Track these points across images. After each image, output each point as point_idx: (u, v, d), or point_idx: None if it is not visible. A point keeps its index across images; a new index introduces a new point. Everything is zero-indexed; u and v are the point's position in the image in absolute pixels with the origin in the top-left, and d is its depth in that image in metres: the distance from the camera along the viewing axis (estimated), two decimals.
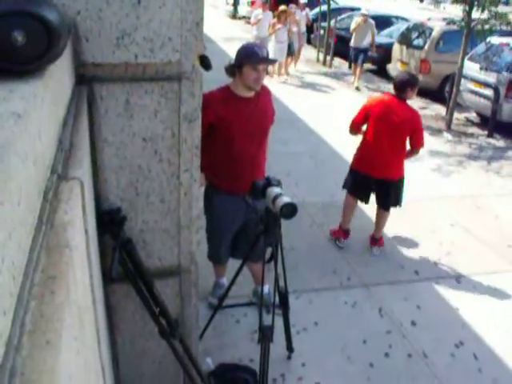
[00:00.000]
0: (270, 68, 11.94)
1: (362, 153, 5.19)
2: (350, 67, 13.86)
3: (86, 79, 2.02)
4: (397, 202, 5.26)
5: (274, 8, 19.82)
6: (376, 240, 5.41)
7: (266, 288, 4.03)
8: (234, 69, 3.50)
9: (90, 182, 1.93)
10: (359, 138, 5.21)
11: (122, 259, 2.18)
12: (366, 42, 12.57)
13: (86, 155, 1.73)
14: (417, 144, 4.98)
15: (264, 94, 3.71)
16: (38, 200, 1.08)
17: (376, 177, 5.10)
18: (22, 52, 1.16)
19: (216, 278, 4.36)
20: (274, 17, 12.54)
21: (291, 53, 12.95)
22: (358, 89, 12.46)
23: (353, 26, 12.64)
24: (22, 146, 0.95)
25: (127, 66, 2.06)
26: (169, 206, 2.38)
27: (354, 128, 5.18)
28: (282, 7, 12.17)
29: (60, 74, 1.52)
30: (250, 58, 3.43)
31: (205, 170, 3.57)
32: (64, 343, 0.87)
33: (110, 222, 2.13)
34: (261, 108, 3.67)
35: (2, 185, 0.79)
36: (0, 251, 0.75)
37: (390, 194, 5.19)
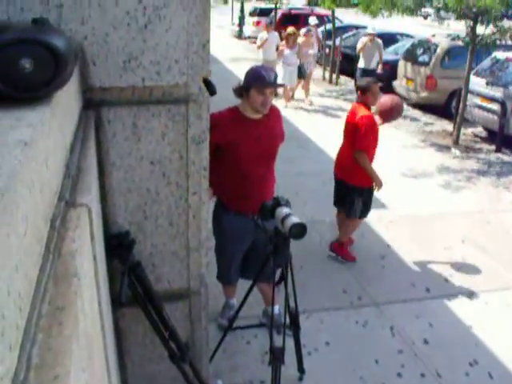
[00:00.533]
0: (280, 90, 11.60)
1: None
2: (356, 90, 13.19)
3: (93, 103, 2.02)
4: (350, 211, 5.27)
5: (279, 29, 19.98)
6: (333, 242, 5.53)
7: (276, 309, 3.99)
8: (242, 91, 3.50)
9: (98, 206, 1.93)
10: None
11: (131, 283, 2.17)
12: (374, 63, 12.11)
13: (94, 180, 1.72)
14: (354, 143, 4.97)
15: (273, 114, 3.69)
16: (45, 228, 1.07)
17: (338, 177, 5.34)
18: (29, 79, 1.16)
19: (226, 299, 4.33)
20: (281, 39, 12.01)
21: (302, 75, 11.91)
22: None
23: (359, 46, 12.19)
24: (28, 175, 0.94)
25: (134, 90, 2.06)
26: (177, 229, 2.37)
27: None
28: (290, 29, 11.50)
29: (67, 100, 1.52)
30: (257, 81, 3.41)
31: (213, 186, 3.57)
32: (73, 377, 0.85)
33: (118, 246, 2.12)
34: (269, 129, 3.65)
35: (9, 216, 0.78)
36: (6, 284, 0.73)
37: (345, 199, 5.26)
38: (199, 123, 2.21)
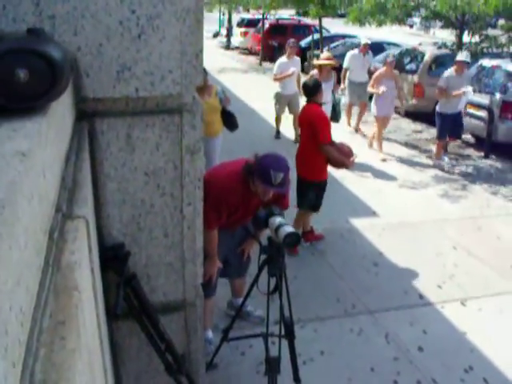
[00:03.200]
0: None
1: None
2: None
3: (86, 114, 2.00)
4: (299, 201, 5.55)
5: (268, 39, 20.03)
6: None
7: (240, 300, 3.99)
8: (250, 172, 3.36)
9: (93, 218, 1.90)
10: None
11: (126, 295, 2.14)
12: (462, 104, 8.74)
13: (90, 192, 1.70)
14: (315, 136, 5.14)
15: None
16: (43, 240, 1.05)
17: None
18: (25, 89, 1.14)
19: None
20: (312, 67, 8.94)
21: (335, 118, 7.86)
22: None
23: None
24: (27, 186, 0.92)
25: (128, 100, 2.05)
26: (172, 240, 2.35)
27: None
28: (325, 56, 8.40)
29: (62, 111, 1.50)
30: (262, 179, 3.24)
31: None
32: None
33: (114, 258, 2.09)
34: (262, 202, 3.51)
35: (10, 228, 0.76)
36: (8, 299, 0.72)
37: (297, 191, 5.50)
38: (193, 133, 2.20)
